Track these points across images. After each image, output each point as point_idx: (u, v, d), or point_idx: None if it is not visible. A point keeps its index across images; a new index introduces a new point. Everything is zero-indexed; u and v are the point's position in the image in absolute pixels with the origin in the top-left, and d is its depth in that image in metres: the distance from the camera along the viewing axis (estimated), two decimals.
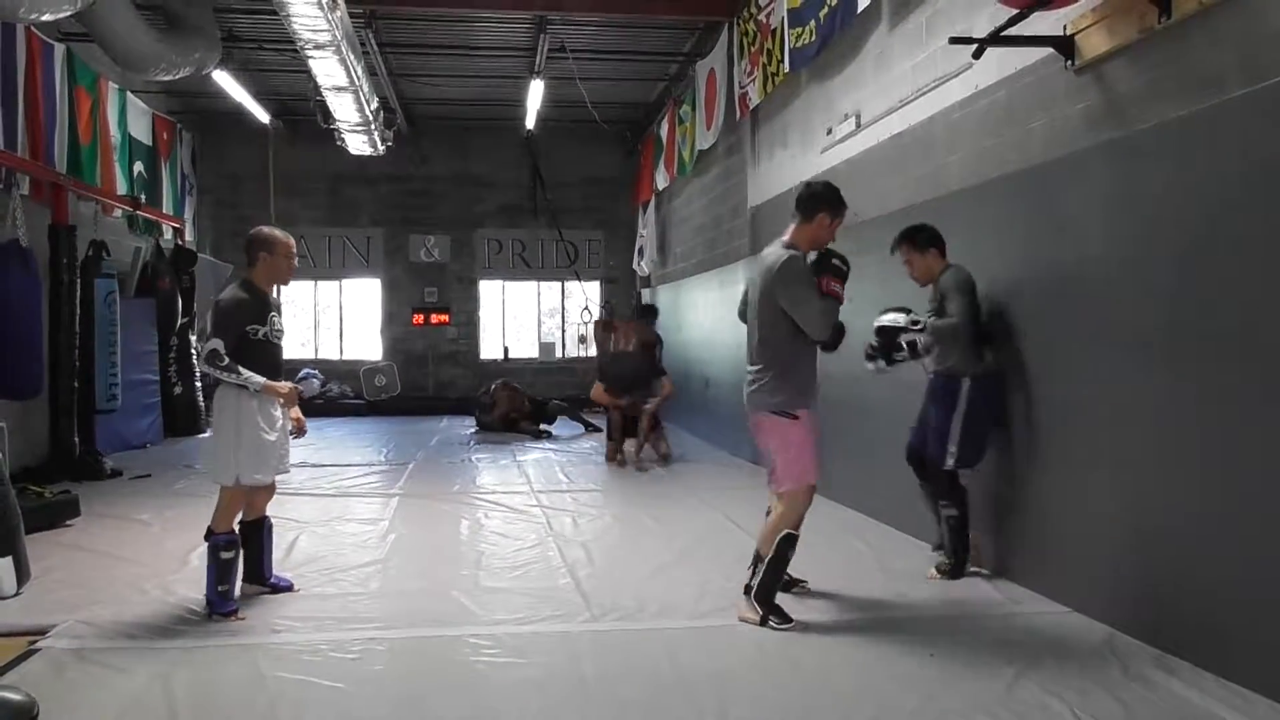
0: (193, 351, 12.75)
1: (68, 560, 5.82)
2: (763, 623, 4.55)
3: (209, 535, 4.79)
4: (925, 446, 5.35)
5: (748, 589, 4.69)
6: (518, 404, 13.38)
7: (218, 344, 4.64)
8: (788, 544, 4.64)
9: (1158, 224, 4.07)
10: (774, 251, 4.68)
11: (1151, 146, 4.13)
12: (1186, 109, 3.94)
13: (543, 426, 13.31)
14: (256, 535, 5.04)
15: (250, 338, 4.78)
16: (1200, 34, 3.91)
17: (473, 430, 13.57)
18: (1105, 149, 4.44)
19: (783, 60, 8.47)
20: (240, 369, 4.66)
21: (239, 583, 4.89)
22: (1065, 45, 4.65)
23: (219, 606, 4.67)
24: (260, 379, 4.72)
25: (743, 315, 5.03)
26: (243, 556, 4.92)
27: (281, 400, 4.90)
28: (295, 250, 5.08)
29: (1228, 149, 3.71)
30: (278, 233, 5.01)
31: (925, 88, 6.24)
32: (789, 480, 4.69)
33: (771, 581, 4.63)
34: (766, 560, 4.63)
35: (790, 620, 4.57)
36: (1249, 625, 3.62)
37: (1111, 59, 4.43)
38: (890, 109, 6.77)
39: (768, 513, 4.91)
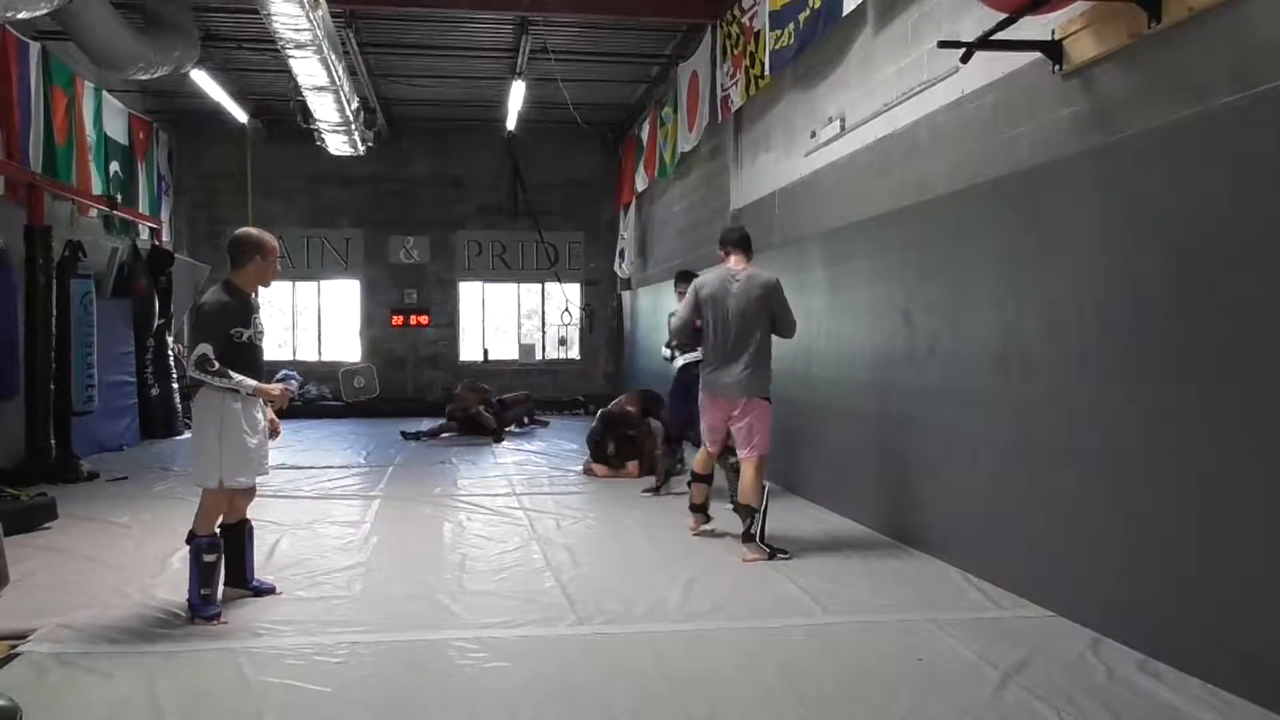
0: (169, 353, 12.64)
1: (46, 564, 5.74)
2: (771, 557, 5.76)
3: (191, 538, 4.75)
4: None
5: (748, 536, 5.90)
6: (467, 404, 13.31)
7: (207, 349, 4.59)
8: (769, 494, 6.02)
9: (1145, 230, 4.09)
10: (759, 271, 6.21)
11: (1139, 152, 4.15)
12: (1175, 115, 3.96)
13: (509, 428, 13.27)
14: (238, 538, 4.99)
15: (235, 340, 4.74)
16: (1189, 40, 3.93)
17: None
18: (1092, 154, 4.46)
19: (764, 63, 8.49)
20: (231, 373, 4.62)
21: (220, 586, 4.84)
22: (1053, 50, 4.66)
23: (201, 610, 4.62)
24: (252, 382, 4.71)
25: (684, 325, 6.40)
26: (224, 560, 4.87)
27: (272, 402, 4.89)
28: None
29: (1217, 155, 3.72)
30: (267, 235, 5.00)
31: (911, 91, 6.26)
32: (761, 448, 6.04)
33: (765, 525, 5.90)
34: (761, 509, 5.88)
35: (788, 552, 5.84)
36: (1233, 630, 3.64)
37: (1100, 64, 4.45)
38: (875, 113, 6.79)
39: (694, 478, 6.56)
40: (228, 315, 4.74)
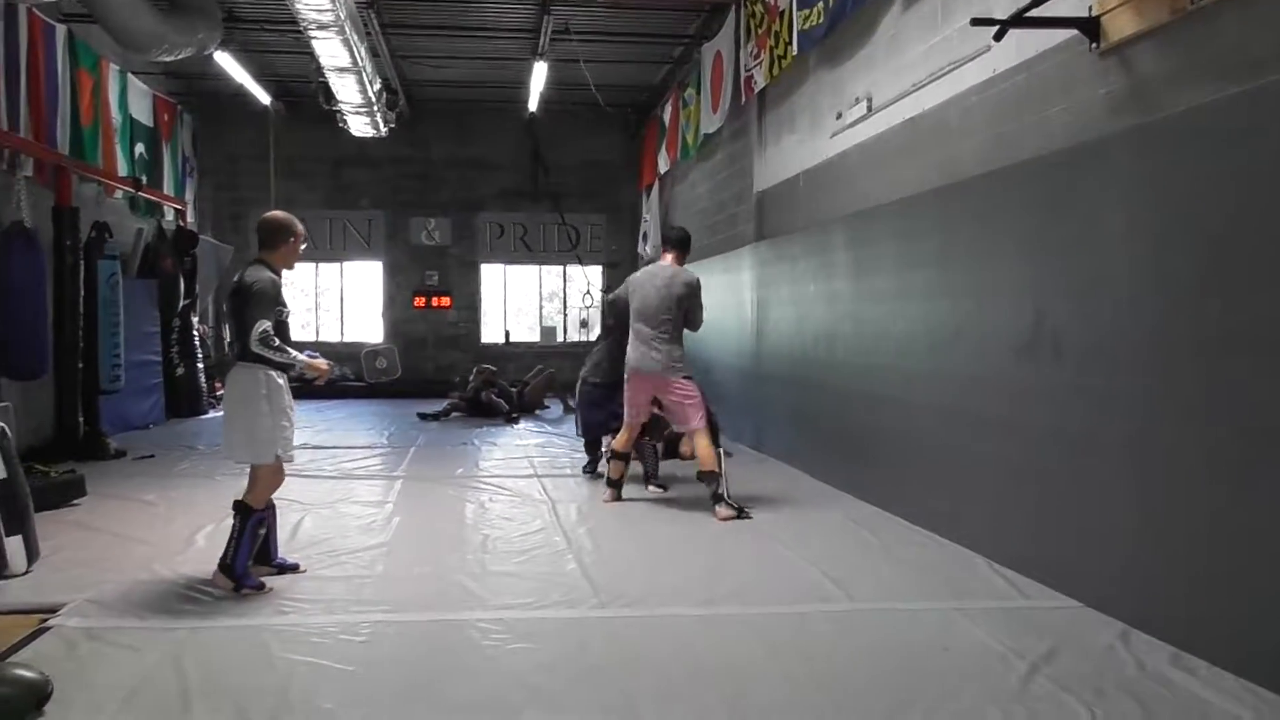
0: (194, 333, 12.71)
1: (75, 539, 5.80)
2: (740, 515, 6.53)
3: (243, 509, 4.80)
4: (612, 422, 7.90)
5: (717, 497, 6.64)
6: (474, 388, 13.50)
7: (267, 325, 4.69)
8: (722, 457, 6.81)
9: (1183, 214, 4.00)
10: (681, 271, 7.11)
11: (1179, 133, 4.05)
12: (1218, 94, 3.85)
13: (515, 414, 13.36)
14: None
15: (279, 318, 4.84)
16: (1235, 15, 3.82)
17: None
18: (1129, 135, 4.36)
19: (790, 43, 8.40)
20: (288, 349, 4.76)
21: None
22: (1090, 27, 4.56)
23: (248, 581, 4.72)
24: (305, 358, 4.87)
25: (613, 306, 7.37)
26: None
27: (320, 378, 5.04)
28: None
29: (1262, 136, 3.60)
30: (295, 219, 5.12)
31: (940, 71, 6.17)
32: (697, 419, 6.83)
33: (728, 484, 6.69)
34: (723, 473, 6.68)
35: (750, 513, 6.62)
36: (1268, 623, 3.57)
37: (1139, 41, 4.34)
38: (903, 93, 6.71)
39: (612, 455, 7.31)
40: (276, 293, 4.86)
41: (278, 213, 5.16)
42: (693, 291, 7.01)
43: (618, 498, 7.23)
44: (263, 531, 4.85)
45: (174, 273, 12.18)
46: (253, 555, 4.82)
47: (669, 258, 7.19)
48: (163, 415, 11.88)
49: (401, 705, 3.47)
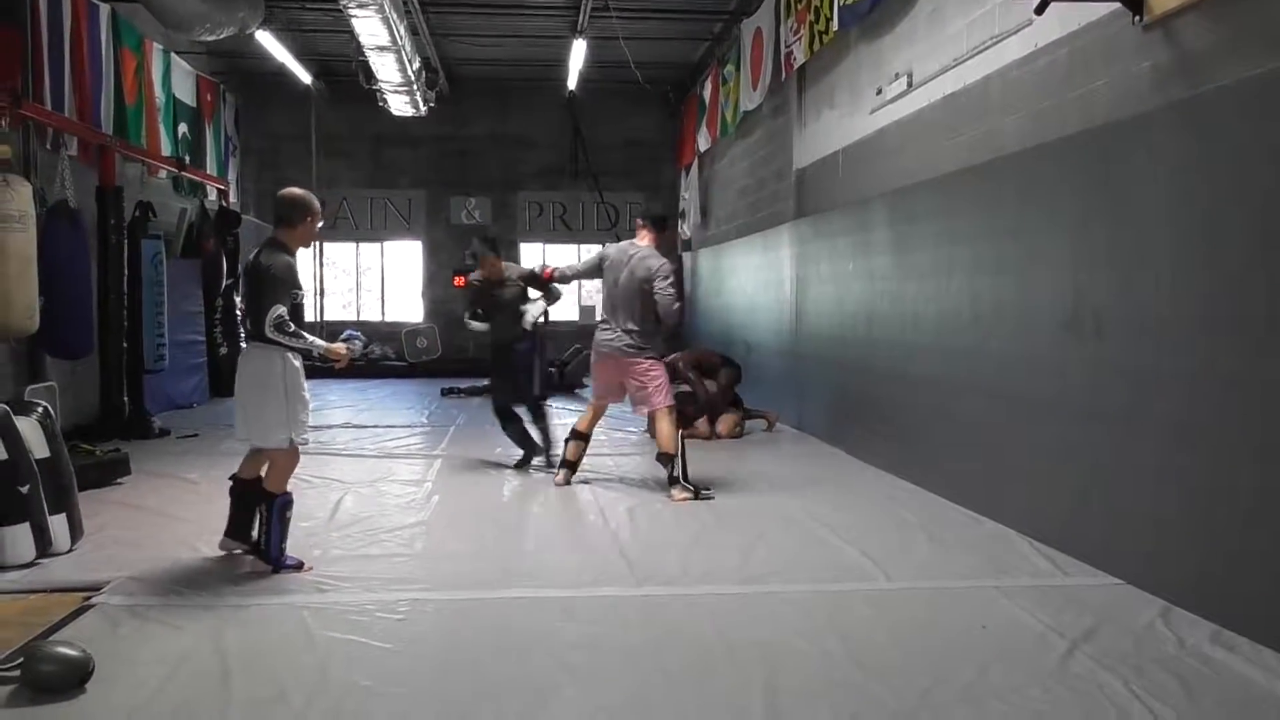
0: (237, 313, 12.86)
1: (119, 518, 5.89)
2: (697, 496, 6.44)
3: (265, 496, 4.80)
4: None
5: (674, 480, 6.55)
6: None
7: (283, 311, 4.63)
8: (683, 441, 6.68)
9: (1228, 190, 3.92)
10: (652, 254, 6.87)
11: (1225, 107, 3.96)
12: (1265, 67, 3.76)
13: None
14: (253, 498, 4.95)
15: (294, 301, 4.79)
16: None
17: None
18: (1174, 110, 4.28)
19: (831, 18, 8.28)
20: (304, 334, 4.71)
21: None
22: (1134, 0, 4.48)
23: (286, 562, 4.75)
24: (323, 343, 4.81)
25: (579, 275, 7.59)
26: (233, 514, 5.00)
27: (339, 362, 4.95)
28: None
29: None
30: (314, 196, 5.05)
31: (981, 46, 6.07)
32: (661, 401, 6.72)
33: (686, 467, 6.60)
34: (679, 455, 6.58)
35: (711, 491, 6.57)
36: None
37: (1184, 14, 4.24)
38: (944, 68, 6.60)
39: (571, 435, 7.08)
40: (293, 276, 4.81)
41: (296, 189, 5.06)
42: (655, 276, 6.71)
43: (569, 481, 6.98)
44: (290, 514, 4.83)
45: (217, 253, 12.30)
46: (285, 537, 4.80)
47: (644, 236, 6.99)
48: (206, 395, 12.03)
49: (440, 683, 3.50)
